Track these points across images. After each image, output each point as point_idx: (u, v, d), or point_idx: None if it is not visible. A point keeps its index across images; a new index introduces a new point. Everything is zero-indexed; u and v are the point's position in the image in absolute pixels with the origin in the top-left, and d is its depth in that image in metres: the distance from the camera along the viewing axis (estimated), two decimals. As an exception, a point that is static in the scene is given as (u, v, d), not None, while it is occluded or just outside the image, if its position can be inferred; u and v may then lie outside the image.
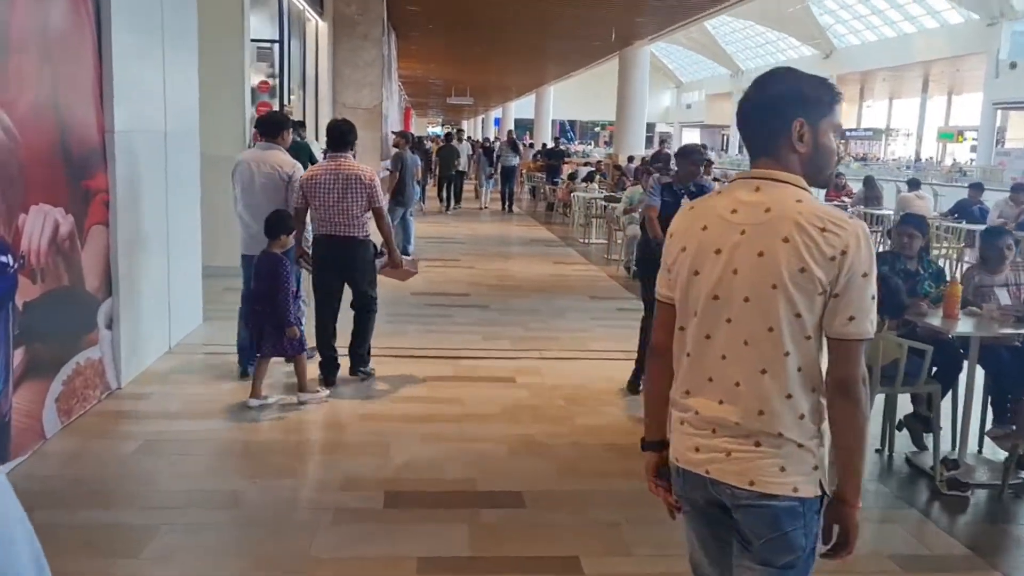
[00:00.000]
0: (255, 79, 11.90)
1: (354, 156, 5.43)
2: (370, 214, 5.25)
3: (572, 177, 18.61)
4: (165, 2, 5.91)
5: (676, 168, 5.67)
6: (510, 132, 19.76)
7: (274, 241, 4.93)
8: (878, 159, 56.56)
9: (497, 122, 57.20)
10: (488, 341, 6.70)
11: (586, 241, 13.61)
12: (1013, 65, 38.90)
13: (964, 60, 44.00)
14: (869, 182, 12.50)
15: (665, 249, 1.88)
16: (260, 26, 11.89)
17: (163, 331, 6.07)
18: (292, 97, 13.25)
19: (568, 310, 8.08)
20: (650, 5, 17.47)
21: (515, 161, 18.12)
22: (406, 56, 27.81)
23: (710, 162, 18.87)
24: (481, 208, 18.56)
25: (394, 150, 13.01)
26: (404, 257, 5.75)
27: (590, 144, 58.93)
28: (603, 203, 12.68)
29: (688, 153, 5.62)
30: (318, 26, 14.66)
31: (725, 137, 72.73)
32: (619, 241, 11.82)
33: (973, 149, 50.31)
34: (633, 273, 10.09)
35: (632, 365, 5.60)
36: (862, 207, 12.34)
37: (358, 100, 15.07)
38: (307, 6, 13.43)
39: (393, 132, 14.83)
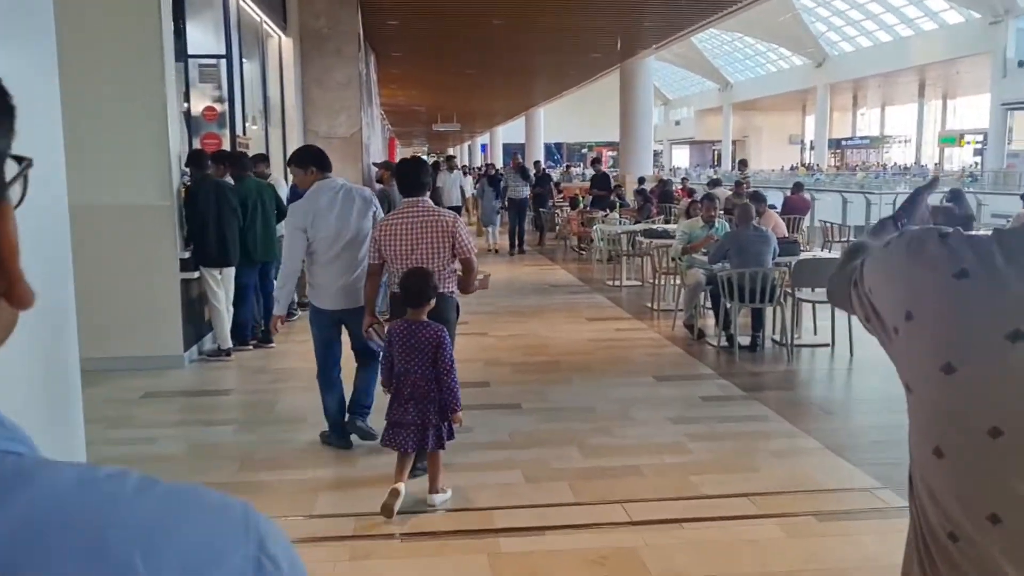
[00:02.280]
0: (198, 104, 9.54)
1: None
2: (455, 266, 4.47)
3: (575, 205, 16.25)
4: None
5: None
6: (516, 156, 17.05)
7: (419, 308, 4.05)
8: (878, 167, 54.69)
9: (484, 148, 55.12)
10: (534, 486, 4.25)
11: (614, 283, 11.22)
12: (1022, 63, 37.27)
13: (963, 61, 42.28)
14: (957, 197, 10.15)
15: None
16: (204, 39, 9.55)
17: None
18: (252, 126, 10.88)
19: (633, 405, 5.65)
20: (658, 7, 15.28)
21: (525, 191, 15.31)
22: (388, 82, 25.60)
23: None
24: (490, 250, 15.41)
25: (378, 185, 10.68)
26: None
27: (579, 166, 56.48)
28: (641, 238, 10.28)
29: None
30: (281, 42, 12.32)
31: (716, 152, 71.02)
32: (660, 282, 9.43)
33: (977, 152, 48.60)
34: (697, 333, 7.70)
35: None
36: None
37: (333, 128, 12.73)
38: (266, 18, 11.09)
39: (375, 164, 12.42)
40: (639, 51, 20.55)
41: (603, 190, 16.10)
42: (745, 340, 7.21)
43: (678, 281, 9.35)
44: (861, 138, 64.40)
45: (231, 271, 6.95)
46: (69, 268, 4.41)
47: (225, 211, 6.77)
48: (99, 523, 0.46)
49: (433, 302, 4.07)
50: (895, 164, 55.79)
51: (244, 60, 10.38)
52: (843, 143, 64.49)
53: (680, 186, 19.80)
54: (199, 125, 9.51)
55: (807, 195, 13.98)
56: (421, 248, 4.33)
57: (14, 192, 0.55)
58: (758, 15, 38.14)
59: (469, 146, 58.62)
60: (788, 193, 13.56)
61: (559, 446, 4.82)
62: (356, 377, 4.88)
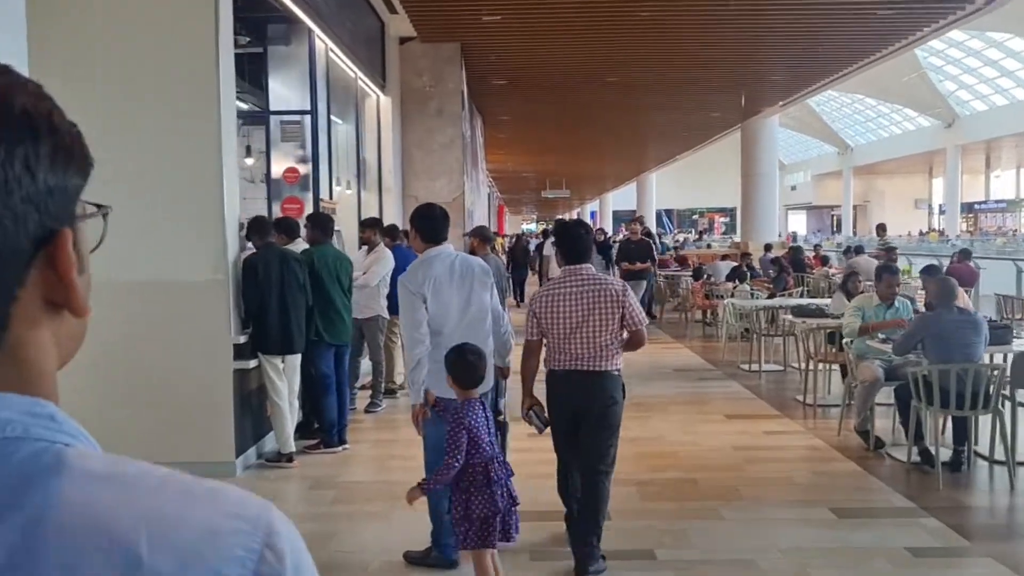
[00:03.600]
0: (281, 166, 8.63)
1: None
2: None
3: (698, 275, 14.57)
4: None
5: None
6: (638, 220, 15.41)
7: (475, 388, 3.63)
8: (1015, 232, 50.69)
9: (593, 215, 54.11)
10: None
11: (750, 367, 9.58)
12: None
13: (1111, 119, 38.73)
14: None
15: None
16: (292, 96, 8.67)
17: None
18: (347, 191, 9.89)
19: (813, 559, 4.07)
20: (787, 60, 13.81)
21: (646, 259, 13.57)
22: (495, 147, 24.85)
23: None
24: None
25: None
26: None
27: (690, 232, 54.22)
28: (788, 316, 8.66)
29: None
30: (379, 101, 11.45)
31: (835, 218, 67.85)
32: (812, 368, 7.75)
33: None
34: (874, 442, 6.03)
35: None
36: None
37: (432, 191, 11.73)
38: (362, 75, 10.21)
39: (465, 234, 11.17)
40: (763, 109, 19.08)
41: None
42: (945, 455, 5.51)
43: (835, 367, 7.72)
44: (996, 201, 60.36)
45: (296, 359, 5.77)
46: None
47: (291, 287, 5.61)
48: (114, 510, 0.50)
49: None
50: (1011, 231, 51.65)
51: (337, 119, 9.46)
52: (976, 207, 60.56)
53: (813, 253, 17.99)
54: (280, 188, 8.58)
55: (972, 264, 12.01)
56: (591, 321, 3.96)
57: (92, 230, 0.60)
58: (880, 73, 35.90)
59: (578, 213, 57.75)
60: (952, 261, 11.66)
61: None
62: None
